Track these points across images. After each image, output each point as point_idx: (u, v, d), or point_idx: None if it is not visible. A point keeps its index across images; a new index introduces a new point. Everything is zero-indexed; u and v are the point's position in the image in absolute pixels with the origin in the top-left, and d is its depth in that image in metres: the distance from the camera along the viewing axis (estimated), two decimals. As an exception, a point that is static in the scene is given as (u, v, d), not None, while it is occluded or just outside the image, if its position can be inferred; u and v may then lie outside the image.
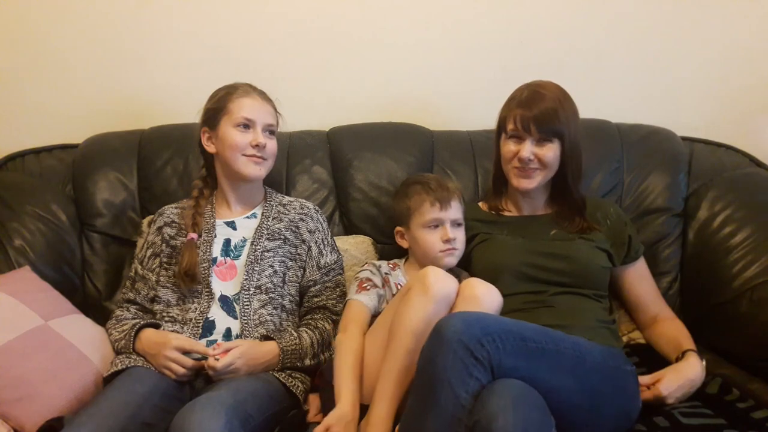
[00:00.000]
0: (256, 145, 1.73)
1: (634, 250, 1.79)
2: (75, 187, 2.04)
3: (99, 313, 1.87)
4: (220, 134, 1.75)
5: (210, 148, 1.79)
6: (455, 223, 1.75)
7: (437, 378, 1.31)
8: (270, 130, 1.78)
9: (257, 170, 1.75)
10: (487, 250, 1.78)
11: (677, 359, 1.65)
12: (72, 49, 2.21)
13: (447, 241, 1.72)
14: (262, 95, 1.79)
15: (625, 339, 1.83)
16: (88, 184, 2.03)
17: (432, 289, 1.49)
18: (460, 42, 2.24)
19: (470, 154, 2.09)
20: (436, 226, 1.73)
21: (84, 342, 1.67)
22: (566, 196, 1.78)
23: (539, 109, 1.70)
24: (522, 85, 1.78)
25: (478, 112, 2.16)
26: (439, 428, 1.30)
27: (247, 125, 1.74)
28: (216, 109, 1.77)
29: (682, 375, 1.60)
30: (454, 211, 1.74)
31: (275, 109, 1.81)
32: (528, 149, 1.71)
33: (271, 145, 1.77)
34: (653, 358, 1.72)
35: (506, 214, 1.85)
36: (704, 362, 1.64)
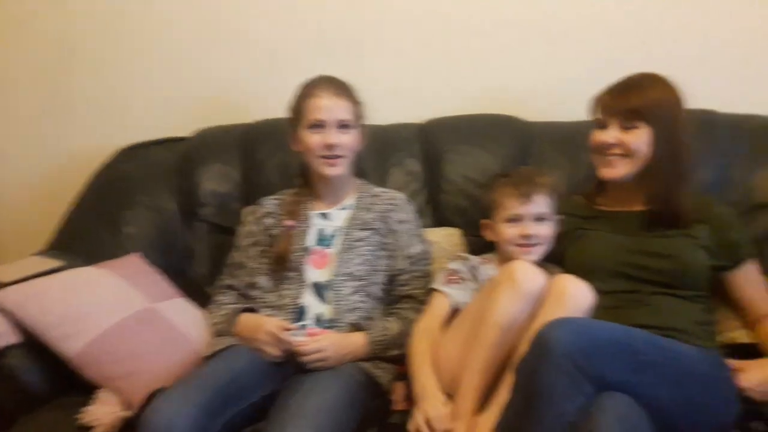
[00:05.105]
0: (328, 146, 1.75)
1: (741, 254, 1.68)
2: (183, 177, 2.13)
3: (201, 298, 1.93)
4: (299, 136, 1.80)
5: (296, 147, 1.84)
6: (538, 219, 1.70)
7: (542, 393, 1.27)
8: (344, 125, 1.78)
9: (332, 170, 1.78)
10: (582, 246, 1.72)
11: None
12: (180, 48, 2.33)
13: (525, 236, 1.68)
14: (335, 90, 1.78)
15: (724, 339, 1.73)
16: (195, 175, 2.11)
17: (520, 283, 1.48)
18: (562, 30, 2.18)
19: (570, 146, 2.01)
20: (517, 221, 1.70)
21: (187, 324, 1.77)
22: (664, 192, 1.67)
23: (625, 94, 1.64)
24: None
25: (578, 103, 2.01)
26: None
27: (318, 126, 1.76)
28: (295, 111, 1.81)
29: (766, 371, 1.52)
30: (538, 206, 1.69)
31: (353, 100, 1.81)
32: (610, 134, 1.64)
33: (346, 139, 1.77)
34: (754, 359, 1.61)
35: (604, 208, 1.78)
36: None
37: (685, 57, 2.07)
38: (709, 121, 1.97)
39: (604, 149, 1.67)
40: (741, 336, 1.75)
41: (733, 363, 1.54)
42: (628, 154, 1.65)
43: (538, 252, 1.70)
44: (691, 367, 1.41)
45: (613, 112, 1.64)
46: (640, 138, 1.64)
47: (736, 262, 1.68)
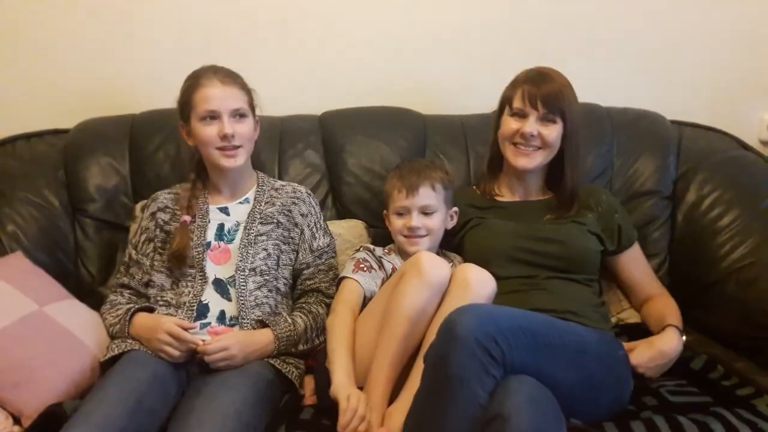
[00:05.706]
0: (224, 136, 1.70)
1: (625, 238, 1.80)
2: (67, 172, 2.03)
3: (92, 298, 1.87)
4: (192, 129, 1.74)
5: (190, 141, 1.78)
6: (424, 211, 1.73)
7: (453, 377, 1.29)
8: (239, 114, 1.73)
9: (232, 162, 1.73)
10: (479, 235, 1.78)
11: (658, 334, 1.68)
12: (60, 34, 2.20)
13: (410, 228, 1.72)
14: (225, 79, 1.73)
15: (614, 320, 1.86)
16: (80, 169, 2.02)
17: (427, 274, 1.50)
18: (453, 26, 2.24)
19: (462, 138, 2.09)
20: (403, 213, 1.74)
21: (79, 327, 1.68)
22: (561, 181, 1.77)
23: (547, 87, 1.71)
24: (526, 69, 1.78)
25: (470, 97, 2.16)
26: (458, 427, 1.28)
27: (212, 116, 1.71)
28: (184, 103, 1.75)
29: (654, 348, 1.63)
30: (423, 198, 1.72)
31: (244, 88, 1.76)
32: (532, 125, 1.70)
33: (243, 129, 1.73)
34: (642, 338, 1.72)
35: (499, 198, 1.85)
36: (684, 338, 1.67)
37: (573, 53, 2.19)
38: (593, 113, 2.10)
39: (523, 139, 1.72)
40: (628, 317, 1.88)
41: (624, 343, 1.64)
42: (544, 146, 1.73)
43: (426, 243, 1.74)
44: (589, 348, 1.48)
45: (536, 105, 1.70)
46: (556, 131, 1.72)
47: (622, 246, 1.80)
